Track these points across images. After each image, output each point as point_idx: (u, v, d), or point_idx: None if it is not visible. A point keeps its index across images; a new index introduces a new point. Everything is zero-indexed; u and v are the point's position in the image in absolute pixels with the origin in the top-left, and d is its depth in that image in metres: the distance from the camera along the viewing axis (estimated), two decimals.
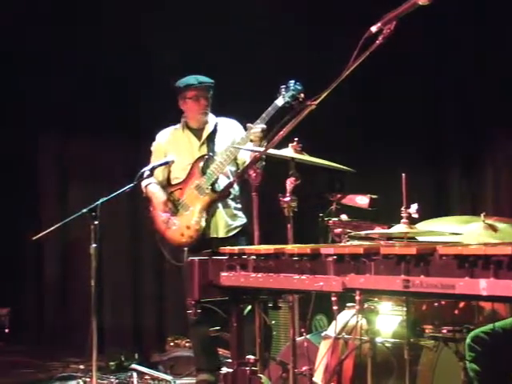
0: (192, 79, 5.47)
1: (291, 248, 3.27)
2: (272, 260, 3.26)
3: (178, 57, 6.75)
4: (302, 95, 4.89)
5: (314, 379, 4.34)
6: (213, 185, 5.35)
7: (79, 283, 7.25)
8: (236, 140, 5.34)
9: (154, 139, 5.68)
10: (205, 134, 5.51)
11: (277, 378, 4.59)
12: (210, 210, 5.36)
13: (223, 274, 3.47)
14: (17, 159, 8.10)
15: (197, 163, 5.42)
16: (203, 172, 5.38)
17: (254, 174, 4.46)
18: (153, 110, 6.87)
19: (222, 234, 5.41)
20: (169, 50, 6.88)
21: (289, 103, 5.08)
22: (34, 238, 5.42)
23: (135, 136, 7.19)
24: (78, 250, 7.26)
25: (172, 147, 5.56)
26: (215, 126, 5.54)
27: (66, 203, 7.71)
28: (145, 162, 5.45)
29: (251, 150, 5.09)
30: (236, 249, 3.53)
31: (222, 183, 5.37)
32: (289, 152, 4.27)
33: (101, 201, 4.96)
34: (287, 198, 4.14)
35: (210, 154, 5.43)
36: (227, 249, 3.57)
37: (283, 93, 5.17)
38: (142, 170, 5.20)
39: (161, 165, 5.42)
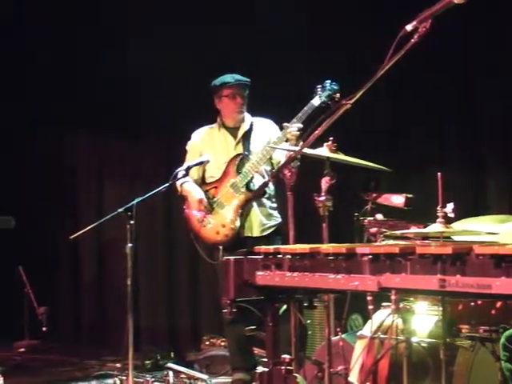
0: (228, 77, 5.48)
1: (327, 247, 3.26)
2: (307, 259, 3.26)
3: (215, 57, 6.70)
4: (338, 95, 4.89)
5: (349, 379, 4.33)
6: (248, 184, 5.36)
7: (115, 282, 7.30)
8: (272, 139, 5.35)
9: (188, 139, 5.70)
10: (240, 133, 5.52)
11: (312, 378, 4.58)
12: (244, 208, 5.37)
13: (258, 273, 3.47)
14: (54, 160, 8.18)
15: (232, 162, 5.43)
16: (238, 171, 5.39)
17: (289, 174, 4.47)
18: (188, 110, 6.88)
19: (256, 233, 5.41)
20: (203, 51, 6.86)
21: (325, 103, 5.09)
22: (71, 237, 5.46)
23: (171, 136, 7.22)
24: (114, 250, 7.31)
25: (207, 146, 5.57)
26: (251, 125, 5.54)
27: (102, 203, 7.77)
28: (180, 162, 5.46)
29: (286, 150, 5.09)
30: (271, 248, 3.54)
31: (257, 182, 5.38)
32: (324, 151, 4.27)
33: (136, 200, 4.97)
34: (322, 198, 4.13)
35: (246, 152, 5.43)
36: (262, 248, 3.57)
37: (319, 92, 5.18)
38: (177, 170, 5.21)
39: (196, 164, 5.43)
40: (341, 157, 4.30)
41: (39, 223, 7.67)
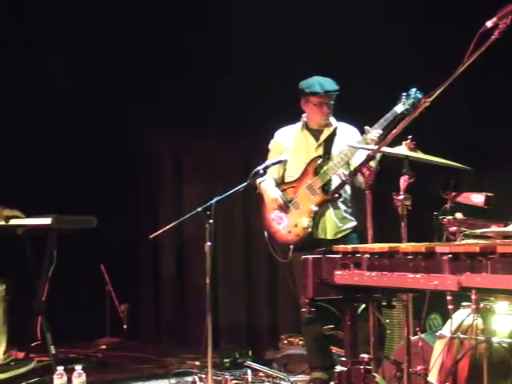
0: (317, 86, 5.40)
1: (405, 246, 3.25)
2: (386, 258, 3.24)
3: (304, 57, 6.68)
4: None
5: (428, 379, 4.29)
6: (325, 186, 5.35)
7: (194, 281, 7.38)
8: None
9: (267, 138, 5.72)
10: (323, 136, 5.50)
11: (391, 377, 4.55)
12: (319, 210, 5.37)
13: (337, 272, 3.47)
14: (134, 160, 8.31)
15: (312, 163, 5.43)
16: (316, 172, 5.39)
17: (368, 173, 4.45)
18: (267, 110, 6.89)
19: (330, 235, 5.40)
20: (290, 51, 6.84)
21: (408, 111, 5.05)
22: (151, 236, 5.54)
23: (249, 135, 7.24)
24: (193, 249, 7.39)
25: (289, 146, 5.58)
26: (334, 129, 5.51)
27: (182, 203, 7.85)
28: (258, 161, 5.48)
29: (364, 148, 5.07)
30: (350, 247, 3.54)
31: (335, 185, 5.37)
32: (403, 150, 4.24)
33: (215, 200, 5.02)
34: (401, 196, 4.11)
35: (326, 155, 5.43)
36: (341, 247, 3.57)
37: (403, 100, 5.14)
38: (256, 169, 5.23)
39: (274, 164, 5.45)
40: (420, 155, 4.27)
41: (120, 223, 7.79)
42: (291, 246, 5.31)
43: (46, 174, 7.68)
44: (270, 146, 5.70)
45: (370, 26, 6.37)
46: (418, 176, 4.17)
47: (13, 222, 5.78)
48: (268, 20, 6.94)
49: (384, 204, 4.33)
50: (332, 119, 5.53)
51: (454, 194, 4.69)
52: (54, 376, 5.13)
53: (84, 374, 5.19)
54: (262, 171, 5.24)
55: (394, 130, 3.91)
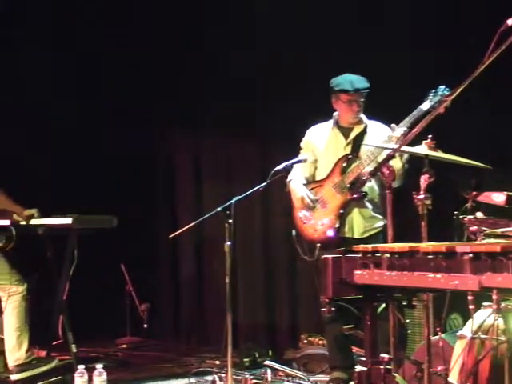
0: (347, 84, 5.36)
1: (426, 246, 3.24)
2: (406, 258, 3.24)
3: (330, 56, 6.63)
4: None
5: (449, 379, 4.27)
6: (351, 184, 5.34)
7: (214, 280, 7.39)
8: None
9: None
10: (352, 134, 5.46)
11: (411, 378, 4.54)
12: (345, 209, 5.35)
13: (357, 272, 3.47)
14: (154, 160, 8.34)
15: (339, 162, 5.40)
16: (343, 171, 5.36)
17: (388, 172, 4.44)
18: (287, 110, 6.89)
19: (357, 234, 5.37)
20: (314, 51, 6.80)
21: (434, 108, 5.00)
22: (171, 236, 5.56)
23: (268, 135, 7.25)
24: (213, 249, 7.40)
25: (319, 144, 5.56)
26: (365, 127, 5.47)
27: (201, 202, 7.86)
28: (278, 161, 5.46)
29: (384, 148, 5.05)
30: (369, 247, 3.53)
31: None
32: (423, 149, 4.23)
33: (234, 199, 5.02)
34: (421, 196, 4.11)
35: (354, 153, 5.40)
36: (361, 247, 3.57)
37: (430, 97, 5.10)
38: (275, 169, 5.22)
39: (293, 163, 5.43)
40: (440, 154, 4.26)
41: (140, 222, 7.82)
42: (318, 245, 5.30)
43: (68, 174, 7.73)
44: (301, 145, 5.68)
45: (396, 24, 6.32)
46: (438, 175, 4.16)
47: (34, 221, 5.81)
48: (287, 18, 6.94)
49: (404, 203, 4.32)
50: (363, 117, 5.49)
51: (474, 193, 4.66)
52: (75, 375, 5.16)
53: (105, 373, 5.21)
54: (281, 171, 5.23)
55: (415, 129, 3.90)
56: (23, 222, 5.74)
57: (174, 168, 8.32)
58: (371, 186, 5.36)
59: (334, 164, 5.41)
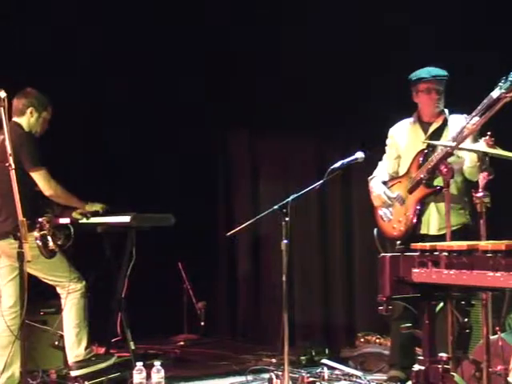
0: (424, 72, 5.35)
1: (485, 244, 3.21)
2: (465, 256, 3.22)
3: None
4: None
5: (508, 379, 4.24)
6: (427, 179, 5.23)
7: (270, 278, 7.41)
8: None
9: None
10: (431, 129, 5.40)
11: (469, 377, 4.50)
12: (422, 205, 5.29)
13: (415, 270, 3.46)
14: (213, 159, 8.39)
15: (417, 157, 5.33)
16: (420, 166, 5.28)
17: (446, 170, 4.41)
18: (343, 109, 6.87)
19: (433, 231, 5.27)
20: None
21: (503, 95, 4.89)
22: (228, 234, 5.58)
23: (325, 134, 7.24)
24: (269, 247, 7.42)
25: (401, 140, 5.53)
26: (444, 121, 5.38)
27: (258, 201, 7.88)
28: (335, 159, 5.45)
29: (442, 145, 5.01)
30: (427, 245, 3.51)
31: (439, 179, 5.11)
32: (481, 146, 4.19)
33: (291, 198, 5.03)
34: (480, 194, 4.07)
35: (430, 148, 5.28)
36: (418, 245, 3.55)
37: (501, 84, 5.00)
38: (332, 167, 5.20)
39: (349, 162, 5.39)
40: (499, 151, 4.21)
41: (198, 221, 7.87)
42: (398, 242, 5.25)
43: (126, 172, 7.81)
44: (387, 142, 5.66)
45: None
46: (498, 173, 4.12)
47: (93, 220, 5.87)
48: (339, 17, 6.91)
49: None
50: (446, 111, 5.40)
51: None
52: (134, 371, 5.21)
53: (162, 370, 5.26)
54: (338, 169, 5.21)
55: (474, 126, 3.86)
56: (83, 220, 5.81)
57: (231, 167, 8.36)
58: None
59: (412, 159, 5.36)
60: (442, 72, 5.35)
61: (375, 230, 5.51)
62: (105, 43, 7.62)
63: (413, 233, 5.27)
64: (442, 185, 4.80)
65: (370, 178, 5.60)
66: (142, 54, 7.86)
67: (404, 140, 5.51)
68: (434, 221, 5.29)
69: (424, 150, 5.30)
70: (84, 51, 7.56)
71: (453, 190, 5.23)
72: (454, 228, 5.13)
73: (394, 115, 5.67)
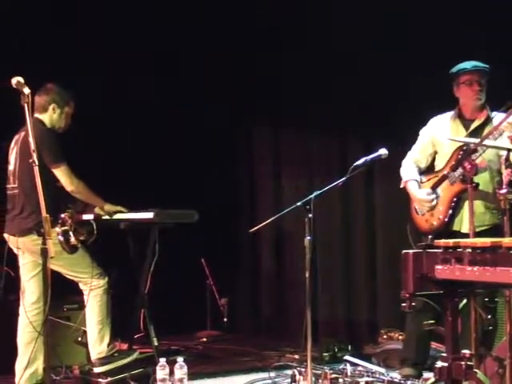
0: (466, 64, 5.29)
1: (508, 241, 3.20)
2: (488, 253, 3.21)
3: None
4: None
5: None
6: (463, 176, 5.07)
7: (293, 275, 7.41)
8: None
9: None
10: (473, 126, 5.32)
11: (493, 374, 4.48)
12: (458, 200, 5.25)
13: (438, 267, 3.45)
14: (237, 157, 8.41)
15: (455, 153, 5.25)
16: None
17: (469, 166, 4.39)
18: (366, 106, 6.86)
19: (465, 229, 5.16)
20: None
21: None
22: (251, 230, 5.59)
23: (348, 131, 7.23)
24: (292, 243, 7.43)
25: (440, 135, 5.45)
26: (487, 118, 5.29)
27: (281, 198, 7.88)
28: (358, 155, 5.43)
29: (462, 141, 4.97)
30: (451, 242, 3.50)
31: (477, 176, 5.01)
32: (505, 143, 4.17)
33: (314, 194, 5.02)
34: (503, 191, 4.05)
35: (470, 145, 5.27)
36: (442, 242, 3.54)
37: None
38: (355, 164, 5.19)
39: (372, 159, 5.36)
40: None
41: (221, 217, 7.88)
42: (430, 236, 5.20)
43: (150, 168, 7.84)
44: (420, 132, 5.60)
45: None
46: None
47: (116, 216, 5.89)
48: (372, 18, 6.89)
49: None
50: (487, 108, 5.32)
51: None
52: (157, 367, 5.23)
53: (185, 366, 5.27)
54: (361, 165, 5.19)
55: (497, 123, 3.84)
56: (106, 217, 5.83)
57: (254, 164, 8.38)
58: (483, 176, 5.16)
59: (451, 155, 5.29)
60: (483, 64, 5.27)
61: (408, 226, 5.50)
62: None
63: (445, 228, 5.24)
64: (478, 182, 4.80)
65: (405, 179, 5.52)
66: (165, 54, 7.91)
67: (443, 135, 5.39)
68: (467, 218, 5.22)
69: (462, 146, 5.18)
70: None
71: (489, 189, 5.21)
72: (485, 227, 5.15)
73: (417, 113, 5.65)
